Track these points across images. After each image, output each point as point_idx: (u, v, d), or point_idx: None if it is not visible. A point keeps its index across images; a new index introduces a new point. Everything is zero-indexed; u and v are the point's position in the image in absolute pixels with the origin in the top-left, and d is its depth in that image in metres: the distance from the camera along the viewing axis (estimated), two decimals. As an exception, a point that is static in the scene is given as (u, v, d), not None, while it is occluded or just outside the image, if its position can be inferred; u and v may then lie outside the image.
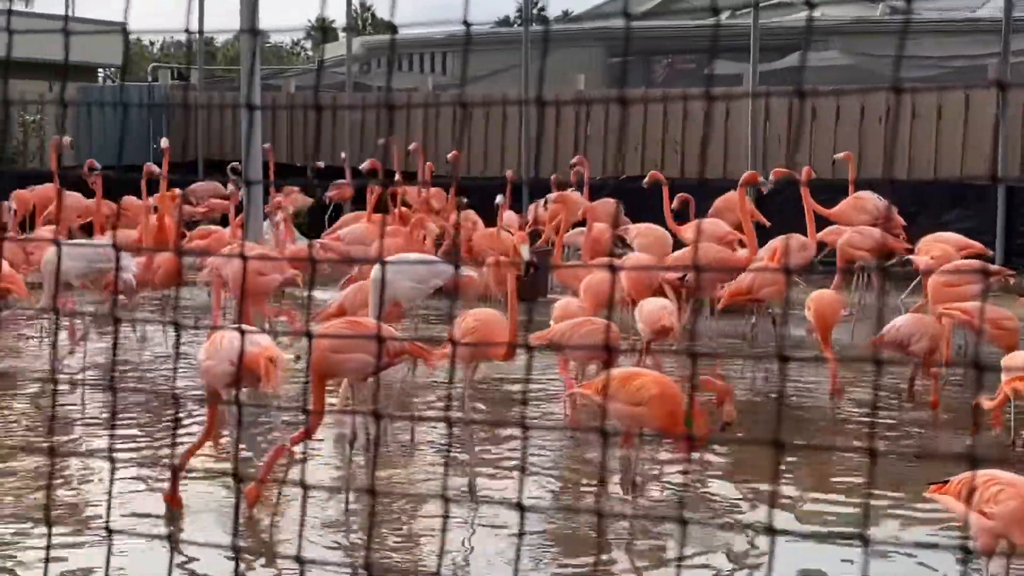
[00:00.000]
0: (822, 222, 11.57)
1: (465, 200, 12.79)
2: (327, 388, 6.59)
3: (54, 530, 6.00)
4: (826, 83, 17.71)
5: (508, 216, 13.01)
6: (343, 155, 16.71)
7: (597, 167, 17.71)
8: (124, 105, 21.38)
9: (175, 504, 6.19)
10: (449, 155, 15.63)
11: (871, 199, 12.20)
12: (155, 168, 12.66)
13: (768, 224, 12.07)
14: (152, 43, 48.67)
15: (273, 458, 6.23)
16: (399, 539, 6.09)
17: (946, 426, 8.46)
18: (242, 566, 5.56)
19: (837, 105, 16.29)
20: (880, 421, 8.64)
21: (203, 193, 16.37)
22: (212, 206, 16.06)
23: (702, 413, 6.67)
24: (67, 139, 13.68)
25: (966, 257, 11.19)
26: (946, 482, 5.20)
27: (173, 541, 5.82)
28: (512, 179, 15.37)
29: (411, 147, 15.06)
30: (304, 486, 5.50)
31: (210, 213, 15.92)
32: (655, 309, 8.50)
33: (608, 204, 14.49)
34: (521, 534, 6.05)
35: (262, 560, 5.79)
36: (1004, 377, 7.43)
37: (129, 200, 14.83)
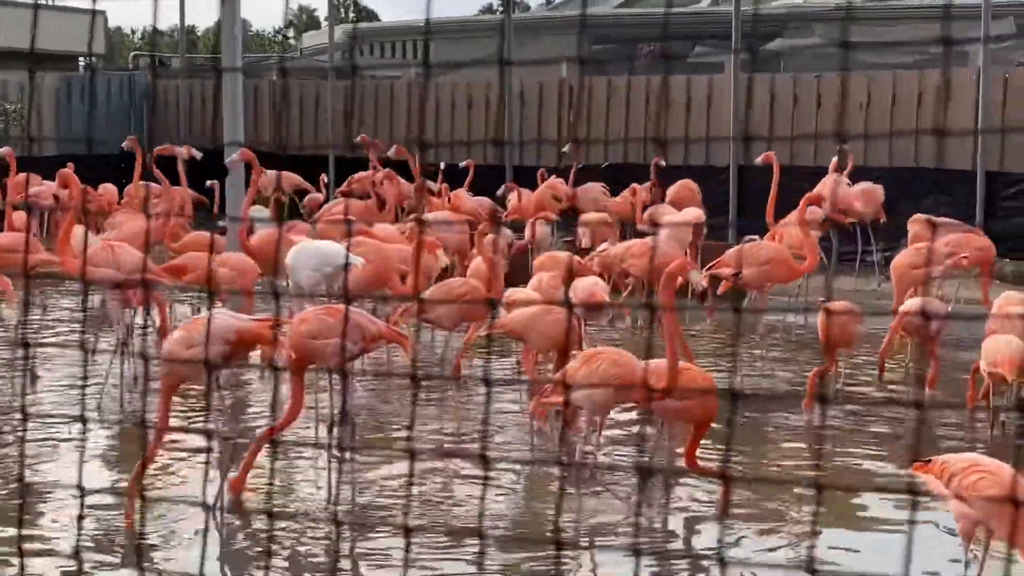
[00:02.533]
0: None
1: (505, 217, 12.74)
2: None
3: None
4: (807, 70, 17.76)
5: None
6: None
7: (580, 153, 17.74)
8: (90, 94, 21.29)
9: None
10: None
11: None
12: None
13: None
14: (133, 31, 48.43)
15: (256, 448, 6.25)
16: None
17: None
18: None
19: (818, 92, 16.33)
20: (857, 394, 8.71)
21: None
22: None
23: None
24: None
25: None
26: (930, 460, 5.19)
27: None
28: (471, 165, 15.41)
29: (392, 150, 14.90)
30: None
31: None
32: (588, 285, 8.57)
33: (593, 189, 14.55)
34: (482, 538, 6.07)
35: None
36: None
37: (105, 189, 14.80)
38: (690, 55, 22.62)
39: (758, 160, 12.29)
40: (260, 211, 15.69)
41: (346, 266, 8.47)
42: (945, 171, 14.95)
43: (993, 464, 5.00)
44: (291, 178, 15.94)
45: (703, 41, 22.30)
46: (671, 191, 13.52)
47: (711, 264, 9.71)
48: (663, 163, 14.15)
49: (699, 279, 6.77)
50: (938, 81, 15.40)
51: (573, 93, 18.43)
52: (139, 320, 9.29)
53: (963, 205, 14.33)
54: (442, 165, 14.57)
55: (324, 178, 14.57)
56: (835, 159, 13.18)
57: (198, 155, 13.08)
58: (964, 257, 10.29)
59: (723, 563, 4.66)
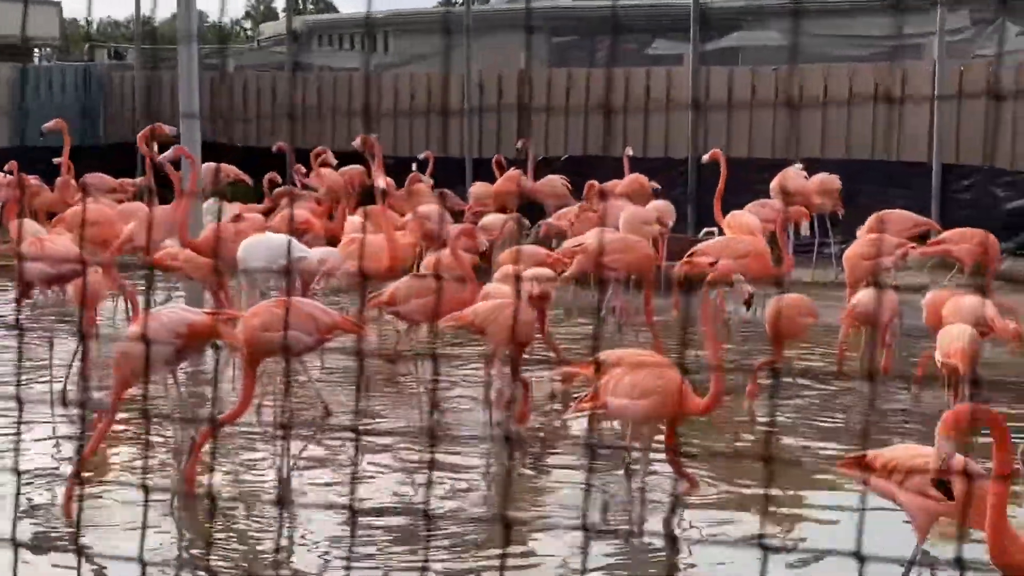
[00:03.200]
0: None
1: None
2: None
3: None
4: (765, 63, 17.83)
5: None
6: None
7: (540, 146, 17.73)
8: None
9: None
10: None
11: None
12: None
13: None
14: (89, 22, 47.88)
15: (204, 437, 6.20)
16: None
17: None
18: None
19: (775, 86, 16.39)
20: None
21: (100, 187, 15.48)
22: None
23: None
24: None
25: (920, 234, 11.65)
26: (860, 458, 5.16)
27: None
28: (430, 156, 15.35)
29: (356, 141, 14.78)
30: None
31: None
32: (532, 275, 8.61)
33: (553, 182, 14.54)
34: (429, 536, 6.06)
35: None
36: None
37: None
38: (649, 48, 22.63)
39: (705, 157, 12.37)
40: (211, 206, 15.53)
41: (288, 261, 8.40)
42: (901, 163, 15.06)
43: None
44: (228, 170, 15.69)
45: (662, 34, 22.32)
46: (622, 185, 13.48)
47: (689, 253, 9.77)
48: (631, 151, 14.21)
49: (745, 285, 6.70)
50: (894, 74, 15.51)
51: (533, 84, 18.40)
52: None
53: (919, 197, 14.44)
54: (421, 156, 14.54)
55: (301, 168, 14.27)
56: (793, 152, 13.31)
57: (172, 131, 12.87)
58: (912, 247, 10.42)
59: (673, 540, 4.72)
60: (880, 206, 12.90)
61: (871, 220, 11.66)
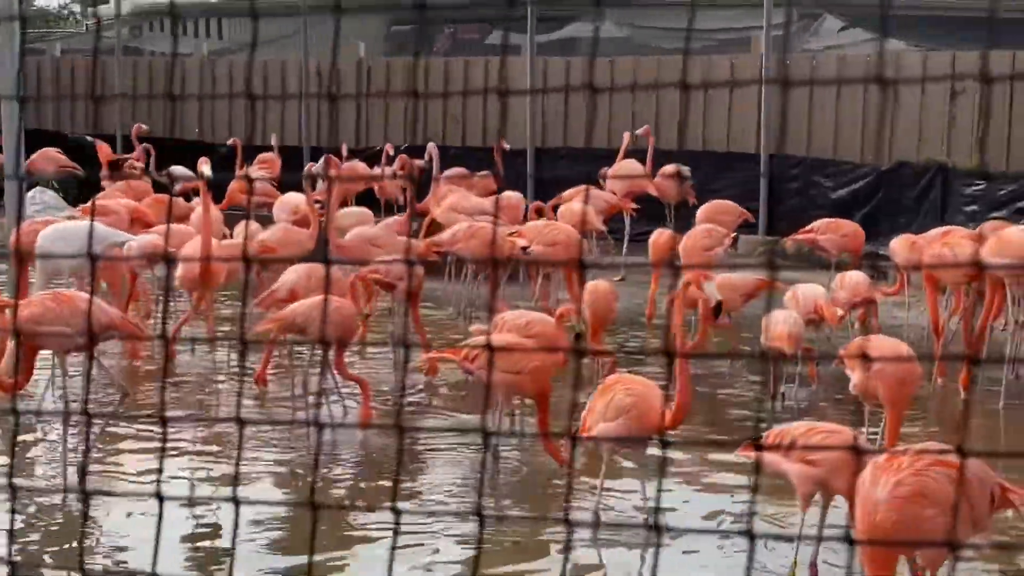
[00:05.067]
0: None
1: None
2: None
3: None
4: (601, 54, 18.09)
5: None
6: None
7: (378, 136, 17.64)
8: None
9: None
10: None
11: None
12: None
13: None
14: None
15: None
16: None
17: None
18: None
19: (612, 76, 16.65)
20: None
21: None
22: None
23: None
24: None
25: (743, 223, 12.14)
26: (755, 441, 5.35)
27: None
28: (276, 145, 15.16)
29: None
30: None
31: None
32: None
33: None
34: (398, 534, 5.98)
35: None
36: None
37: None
38: (488, 38, 22.74)
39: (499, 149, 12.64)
40: (44, 193, 15.00)
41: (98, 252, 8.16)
42: (732, 154, 15.48)
43: (831, 425, 5.27)
44: (56, 159, 15.16)
45: (502, 26, 22.43)
46: (445, 176, 13.49)
47: (509, 233, 9.89)
48: (507, 146, 14.28)
49: (714, 292, 6.55)
50: (725, 66, 15.92)
51: (371, 74, 18.28)
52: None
53: (748, 187, 14.86)
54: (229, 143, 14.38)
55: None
56: (626, 140, 13.57)
57: None
58: (734, 237, 10.81)
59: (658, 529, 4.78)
60: (711, 196, 13.27)
61: (703, 210, 12.04)
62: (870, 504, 4.28)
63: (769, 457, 5.16)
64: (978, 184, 13.26)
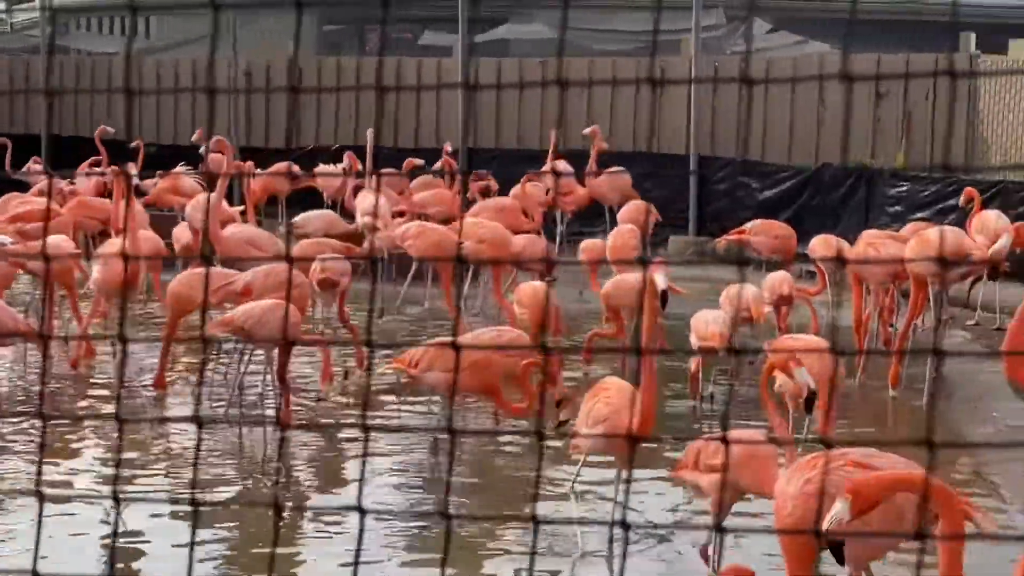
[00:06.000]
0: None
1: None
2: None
3: None
4: (531, 55, 18.16)
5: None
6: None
7: (310, 135, 17.57)
8: None
9: None
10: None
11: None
12: None
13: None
14: None
15: None
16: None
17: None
18: None
19: (543, 76, 16.72)
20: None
21: None
22: None
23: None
24: None
25: (657, 223, 12.35)
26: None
27: None
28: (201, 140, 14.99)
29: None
30: None
31: None
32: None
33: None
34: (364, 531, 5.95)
35: None
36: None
37: None
38: (420, 38, 22.72)
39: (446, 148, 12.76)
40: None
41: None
42: (661, 155, 15.59)
43: (735, 433, 5.41)
44: None
45: (431, 25, 22.43)
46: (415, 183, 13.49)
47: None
48: (450, 148, 14.27)
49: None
50: (653, 68, 16.05)
51: (302, 74, 18.16)
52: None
53: (677, 188, 15.00)
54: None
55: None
56: (553, 139, 13.65)
57: None
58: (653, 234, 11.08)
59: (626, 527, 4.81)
60: (642, 196, 13.37)
61: (624, 211, 12.13)
62: (782, 500, 4.40)
63: (688, 476, 5.33)
64: (902, 185, 13.51)
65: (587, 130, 13.87)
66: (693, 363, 8.26)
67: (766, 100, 15.32)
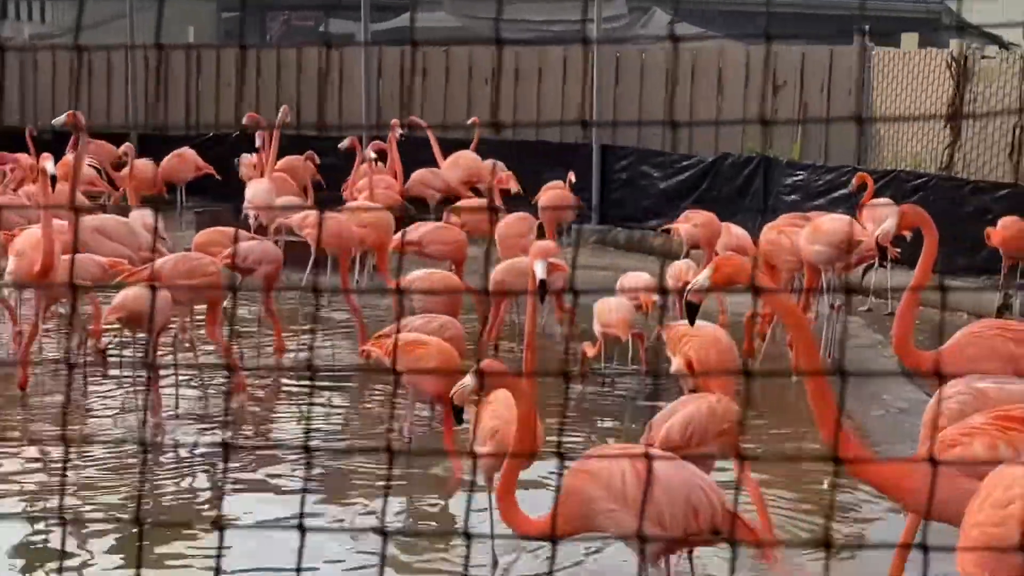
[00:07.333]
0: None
1: None
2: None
3: None
4: (436, 43, 18.15)
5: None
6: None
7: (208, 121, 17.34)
8: None
9: None
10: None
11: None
12: None
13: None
14: None
15: None
16: None
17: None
18: None
19: (447, 65, 16.73)
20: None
21: None
22: None
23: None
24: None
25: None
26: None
27: None
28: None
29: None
30: None
31: None
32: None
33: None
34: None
35: None
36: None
37: None
38: (321, 25, 22.58)
39: (341, 145, 12.81)
40: None
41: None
42: (565, 145, 15.69)
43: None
44: None
45: (336, 13, 22.32)
46: (280, 164, 13.35)
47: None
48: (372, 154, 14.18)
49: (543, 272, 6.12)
50: (558, 57, 16.18)
51: (202, 60, 17.93)
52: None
53: (581, 177, 15.11)
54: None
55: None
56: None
57: None
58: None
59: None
60: (543, 184, 13.45)
61: (544, 198, 12.22)
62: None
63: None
64: (798, 174, 13.78)
65: (470, 120, 13.97)
66: (588, 347, 8.31)
67: (666, 90, 15.52)
